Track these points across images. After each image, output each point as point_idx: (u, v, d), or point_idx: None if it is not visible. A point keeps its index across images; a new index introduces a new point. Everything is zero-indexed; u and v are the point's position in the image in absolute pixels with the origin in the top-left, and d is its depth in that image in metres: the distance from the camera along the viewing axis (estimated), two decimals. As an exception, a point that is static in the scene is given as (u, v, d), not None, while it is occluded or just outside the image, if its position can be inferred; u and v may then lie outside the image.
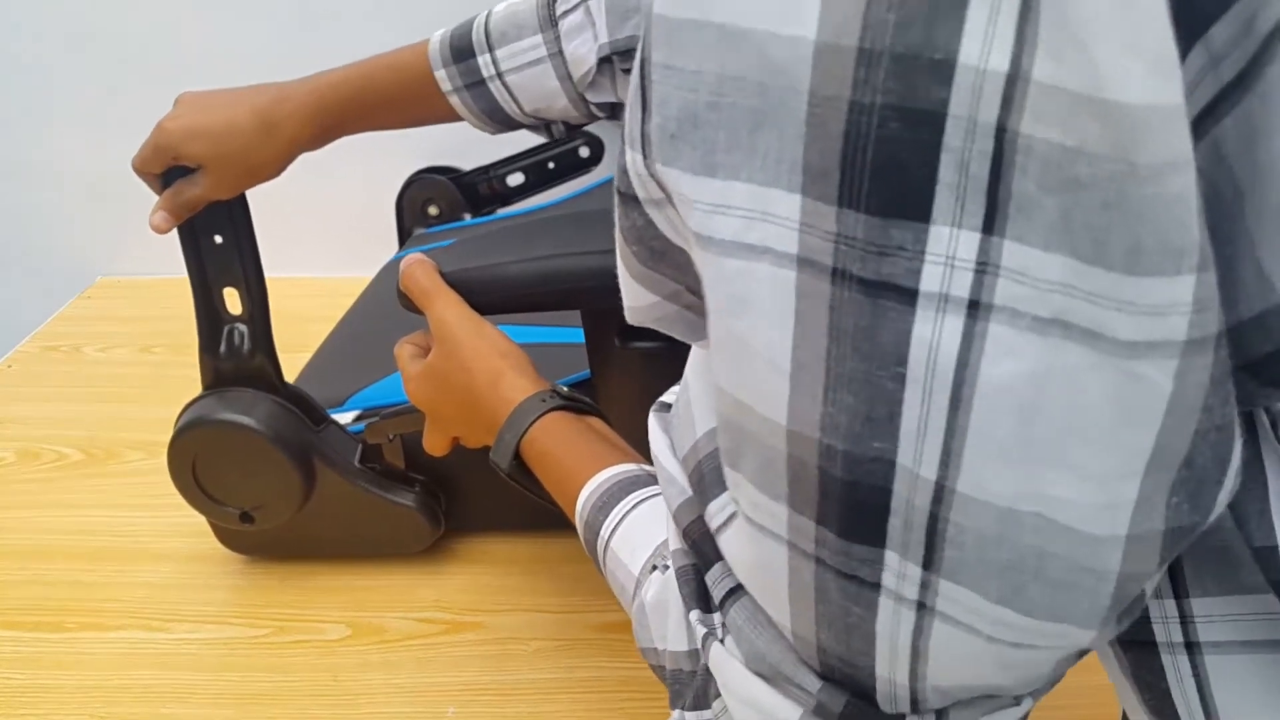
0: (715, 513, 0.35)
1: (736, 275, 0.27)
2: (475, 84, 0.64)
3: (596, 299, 0.62)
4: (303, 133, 0.65)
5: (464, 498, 0.80)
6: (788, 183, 0.25)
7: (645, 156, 0.29)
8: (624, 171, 0.31)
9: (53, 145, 1.25)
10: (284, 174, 1.36)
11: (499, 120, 0.66)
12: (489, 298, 0.60)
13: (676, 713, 0.40)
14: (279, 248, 1.31)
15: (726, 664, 0.34)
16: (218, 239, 0.69)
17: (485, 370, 0.57)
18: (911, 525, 0.26)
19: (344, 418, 0.79)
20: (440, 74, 0.65)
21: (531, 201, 1.08)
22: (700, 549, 0.36)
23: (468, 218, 1.13)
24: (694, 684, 0.39)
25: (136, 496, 0.89)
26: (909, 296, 0.24)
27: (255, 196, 1.30)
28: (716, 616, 0.36)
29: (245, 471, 0.73)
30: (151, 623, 0.76)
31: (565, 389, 0.57)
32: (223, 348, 0.72)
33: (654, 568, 0.43)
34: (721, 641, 0.35)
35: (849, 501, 0.27)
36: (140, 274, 1.32)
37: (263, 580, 0.80)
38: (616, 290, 0.60)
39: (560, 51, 0.62)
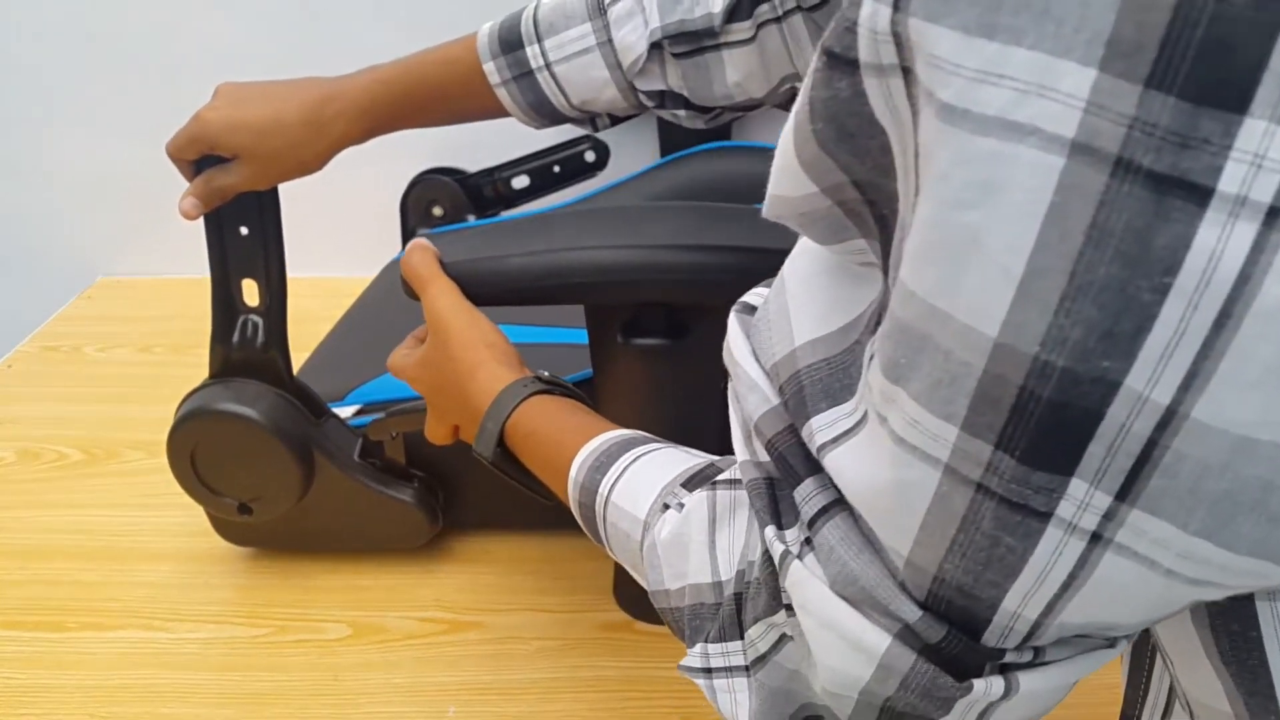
0: (821, 428, 0.33)
1: (988, 158, 0.24)
2: (523, 75, 0.63)
3: (599, 294, 0.62)
4: (351, 130, 0.64)
5: (463, 495, 0.80)
6: (1083, 55, 0.23)
7: (896, 9, 0.26)
8: (848, 30, 0.28)
9: (53, 145, 1.25)
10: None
11: (545, 114, 0.65)
12: (490, 289, 0.60)
13: (699, 647, 0.39)
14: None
15: (807, 584, 0.33)
16: (243, 230, 0.69)
17: (468, 360, 0.56)
18: (1117, 452, 0.25)
19: (345, 412, 0.79)
20: (489, 66, 0.63)
21: (536, 204, 1.08)
22: (787, 463, 0.34)
23: (472, 219, 1.13)
24: (719, 615, 0.38)
25: (137, 496, 0.89)
26: (1201, 196, 0.22)
27: (256, 196, 1.30)
28: (791, 534, 0.34)
29: (244, 463, 0.73)
30: (152, 622, 0.76)
31: (546, 374, 0.56)
32: (235, 337, 0.72)
33: (665, 507, 0.42)
34: (800, 560, 0.33)
35: (1049, 425, 0.25)
36: (140, 274, 1.32)
37: (263, 580, 0.80)
38: (619, 286, 0.60)
39: (609, 40, 0.61)
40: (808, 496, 0.34)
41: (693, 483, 0.43)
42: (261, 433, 0.71)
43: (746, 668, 0.38)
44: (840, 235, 0.33)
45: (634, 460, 0.46)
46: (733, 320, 0.39)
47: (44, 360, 1.14)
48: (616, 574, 0.77)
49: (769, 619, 0.36)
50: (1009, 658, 0.31)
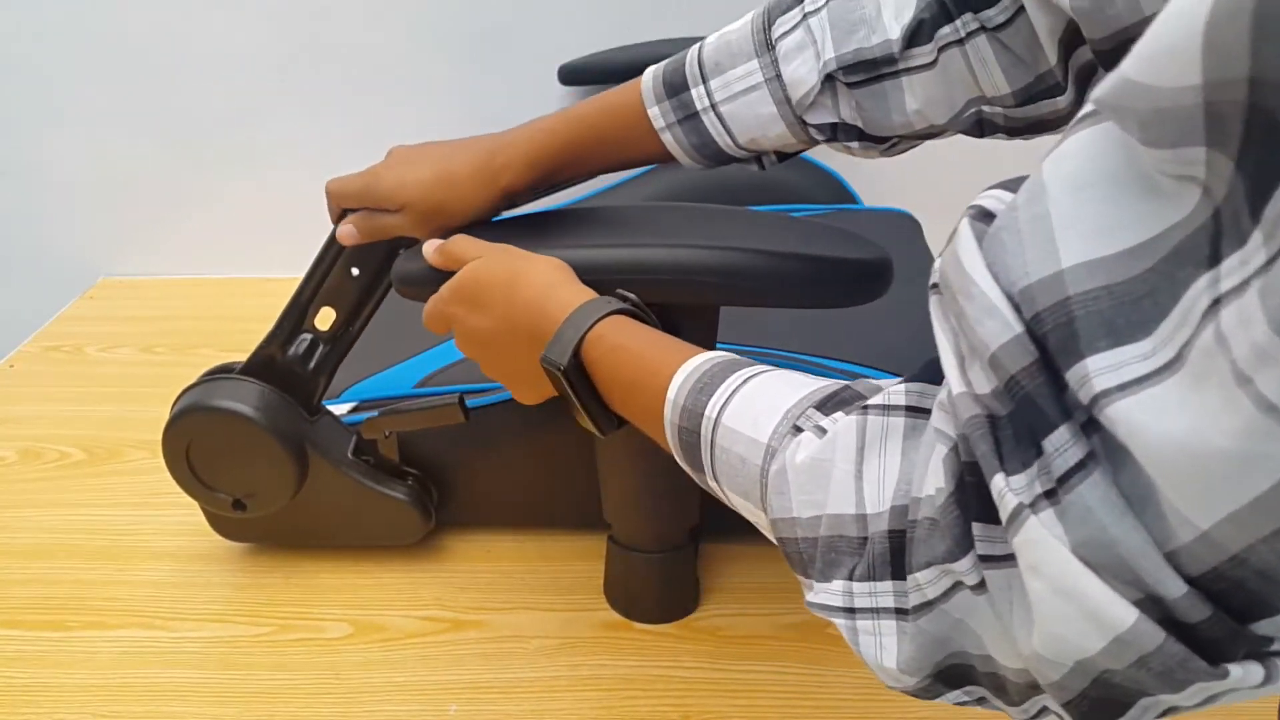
0: (1102, 371, 0.28)
1: None
2: (688, 118, 0.61)
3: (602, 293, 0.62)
4: (518, 181, 0.64)
5: (457, 493, 0.80)
6: None
7: None
8: None
9: (54, 145, 1.25)
10: (292, 173, 1.36)
11: (710, 155, 0.63)
12: None
13: (840, 584, 0.37)
14: (283, 247, 1.31)
15: (1044, 545, 0.29)
16: (355, 271, 0.70)
17: (542, 283, 0.54)
18: None
19: (340, 409, 0.79)
20: (653, 111, 0.62)
21: (536, 206, 1.09)
22: (1034, 405, 0.30)
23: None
24: (866, 552, 0.36)
25: (139, 495, 0.90)
26: None
27: (259, 196, 1.30)
28: (1018, 481, 0.30)
29: (239, 458, 0.73)
30: (154, 621, 0.76)
31: (634, 296, 0.53)
32: (290, 350, 0.73)
33: (796, 429, 0.40)
34: (1036, 515, 0.30)
35: None
36: (142, 274, 1.32)
37: (265, 579, 0.80)
38: (605, 286, 0.60)
39: (778, 75, 0.59)
40: (1061, 447, 0.29)
41: (828, 405, 0.40)
42: (256, 429, 0.71)
43: (902, 611, 0.36)
44: (1179, 140, 0.27)
45: (745, 381, 0.43)
46: (965, 227, 0.33)
47: (46, 360, 1.14)
48: (607, 573, 0.77)
49: (947, 565, 0.33)
50: (1275, 645, 0.28)
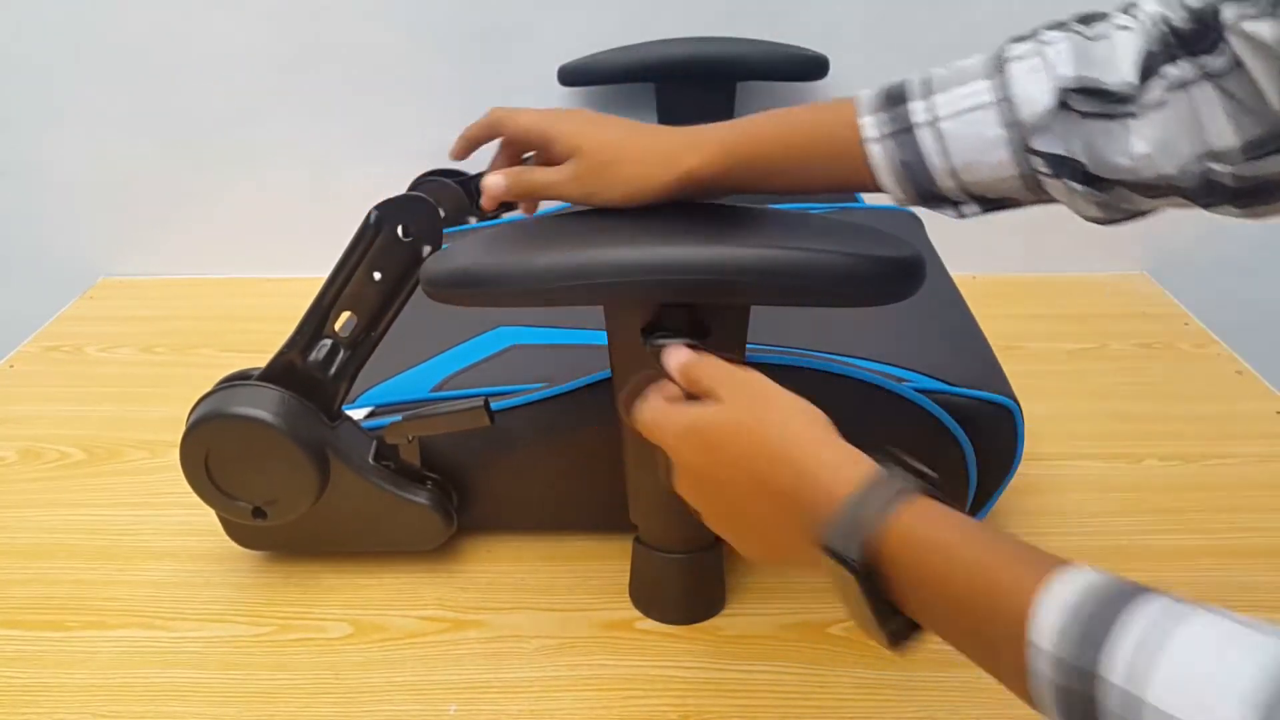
0: None
1: None
2: (902, 131, 0.58)
3: (621, 294, 0.61)
4: (706, 166, 0.61)
5: (477, 497, 0.80)
6: None
7: None
8: None
9: (54, 145, 1.25)
10: (292, 173, 1.35)
11: (914, 177, 0.58)
12: (514, 291, 0.59)
13: None
14: (283, 247, 1.32)
15: None
16: (377, 275, 0.70)
17: (797, 436, 0.47)
18: None
19: (357, 414, 0.79)
20: (866, 120, 0.59)
21: (543, 207, 1.09)
22: None
23: (473, 221, 1.13)
24: None
25: (139, 495, 0.90)
26: None
27: (259, 196, 1.30)
28: None
29: (259, 466, 0.73)
30: (154, 621, 0.76)
31: (916, 463, 0.45)
32: (311, 356, 0.72)
33: None
34: None
35: None
36: (142, 274, 1.32)
37: (265, 579, 0.80)
38: (641, 286, 0.60)
39: (1007, 97, 0.56)
40: None
41: None
42: (277, 435, 0.71)
43: None
44: None
45: (1164, 633, 0.32)
46: None
47: (46, 360, 1.14)
48: (633, 576, 0.77)
49: None
50: None
